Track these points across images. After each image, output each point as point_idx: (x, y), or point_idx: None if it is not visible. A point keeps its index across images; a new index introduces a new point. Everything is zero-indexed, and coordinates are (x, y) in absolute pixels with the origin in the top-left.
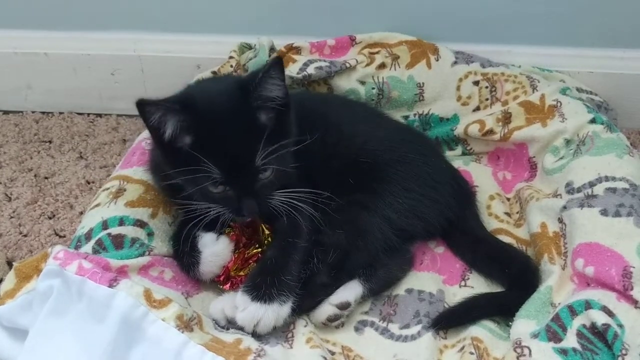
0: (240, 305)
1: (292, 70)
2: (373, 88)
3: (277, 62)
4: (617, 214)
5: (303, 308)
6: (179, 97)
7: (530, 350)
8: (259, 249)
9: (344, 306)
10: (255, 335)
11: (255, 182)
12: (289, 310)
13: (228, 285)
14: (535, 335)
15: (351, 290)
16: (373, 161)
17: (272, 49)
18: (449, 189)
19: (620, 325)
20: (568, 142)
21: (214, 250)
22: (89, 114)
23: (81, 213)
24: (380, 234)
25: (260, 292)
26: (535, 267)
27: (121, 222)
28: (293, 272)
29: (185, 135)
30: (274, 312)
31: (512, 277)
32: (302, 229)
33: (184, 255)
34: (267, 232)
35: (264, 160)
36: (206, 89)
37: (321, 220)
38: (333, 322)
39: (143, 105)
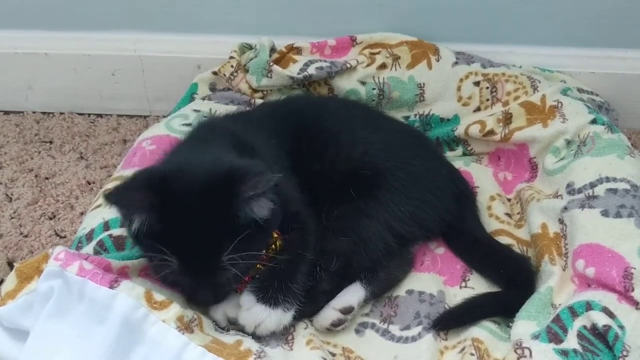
0: (244, 304)
1: (292, 70)
2: (374, 88)
3: (273, 187)
4: (618, 215)
5: (304, 314)
6: (152, 183)
7: (530, 352)
8: (264, 251)
9: (347, 310)
10: (255, 336)
11: (216, 277)
12: (290, 318)
13: None
14: (535, 337)
15: (354, 294)
16: (374, 169)
17: (272, 49)
18: (449, 194)
19: (621, 327)
20: (569, 142)
21: None
22: (89, 114)
23: (82, 214)
24: (381, 242)
25: (267, 295)
26: (531, 268)
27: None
28: (300, 282)
29: (151, 228)
30: (277, 317)
31: (507, 277)
32: (310, 242)
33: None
34: (275, 235)
35: (229, 262)
36: (189, 172)
37: (324, 229)
38: (337, 327)
39: (109, 201)
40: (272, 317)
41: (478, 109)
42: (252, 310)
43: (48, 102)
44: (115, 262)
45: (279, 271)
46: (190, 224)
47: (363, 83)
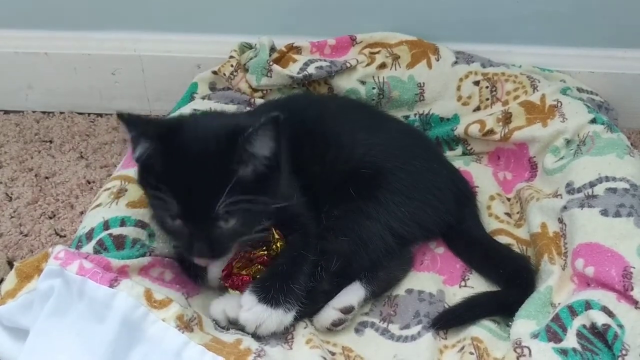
0: (245, 304)
1: (292, 70)
2: (373, 88)
3: (273, 121)
4: (618, 214)
5: (305, 314)
6: (165, 123)
7: (530, 351)
8: (265, 252)
9: (348, 310)
10: (255, 336)
11: (213, 227)
12: (291, 319)
13: (229, 282)
14: (535, 336)
15: (354, 294)
16: (374, 170)
17: (272, 48)
18: (449, 194)
19: (621, 326)
20: (568, 142)
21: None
22: (89, 114)
23: (82, 213)
24: (381, 242)
25: (269, 295)
26: (530, 267)
27: (122, 222)
28: (301, 282)
29: (154, 161)
30: (278, 318)
31: (506, 277)
32: (312, 243)
33: (190, 263)
34: (277, 236)
35: (226, 209)
36: (198, 124)
37: (324, 229)
38: (338, 327)
39: (121, 119)
40: (273, 318)
41: (478, 109)
42: (253, 311)
43: (48, 101)
44: (115, 261)
45: (281, 271)
46: (192, 168)
47: (363, 82)
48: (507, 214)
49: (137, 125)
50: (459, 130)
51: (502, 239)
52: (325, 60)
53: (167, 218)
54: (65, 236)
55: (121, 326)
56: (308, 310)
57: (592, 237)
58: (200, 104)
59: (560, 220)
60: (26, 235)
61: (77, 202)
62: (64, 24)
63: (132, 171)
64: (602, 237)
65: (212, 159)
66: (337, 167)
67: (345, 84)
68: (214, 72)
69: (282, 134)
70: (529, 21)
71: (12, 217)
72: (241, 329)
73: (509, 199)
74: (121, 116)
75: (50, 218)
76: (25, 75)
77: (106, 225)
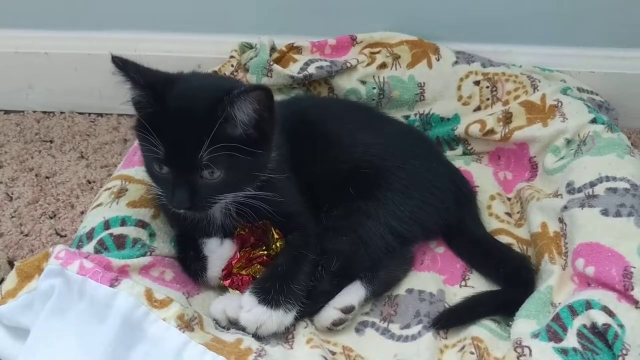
0: (245, 305)
1: (293, 69)
2: (374, 88)
3: (259, 90)
4: (618, 214)
5: (305, 313)
6: (161, 74)
7: (530, 350)
8: (265, 251)
9: (348, 310)
10: (256, 336)
11: (197, 176)
12: (292, 319)
13: (228, 282)
14: (535, 335)
15: (354, 294)
16: (374, 169)
17: (272, 48)
18: (448, 194)
19: (621, 326)
20: (569, 142)
21: (221, 254)
22: (89, 114)
23: (82, 213)
24: (381, 241)
25: (269, 296)
26: (531, 267)
27: (123, 222)
28: (302, 282)
29: (146, 105)
30: (278, 319)
31: (507, 276)
32: (311, 242)
33: (191, 262)
34: (276, 236)
35: (209, 156)
36: (193, 78)
37: (324, 229)
38: (338, 326)
39: (115, 64)
40: (274, 319)
41: (478, 108)
42: (253, 312)
43: (48, 101)
44: (116, 260)
45: (281, 272)
46: (182, 117)
47: (363, 82)
48: (508, 214)
49: (129, 72)
50: (460, 130)
51: (503, 239)
52: (325, 60)
53: (155, 165)
54: (65, 236)
55: (122, 326)
56: (308, 310)
57: (592, 237)
58: None
59: (561, 220)
60: (27, 235)
61: (77, 202)
62: (65, 24)
63: (133, 171)
64: (602, 236)
65: (202, 111)
66: (337, 167)
67: (345, 83)
68: (215, 72)
69: (273, 108)
70: (529, 21)
71: (12, 217)
72: (241, 329)
73: (509, 199)
74: (115, 60)
75: (51, 218)
76: (25, 75)
77: (107, 224)
